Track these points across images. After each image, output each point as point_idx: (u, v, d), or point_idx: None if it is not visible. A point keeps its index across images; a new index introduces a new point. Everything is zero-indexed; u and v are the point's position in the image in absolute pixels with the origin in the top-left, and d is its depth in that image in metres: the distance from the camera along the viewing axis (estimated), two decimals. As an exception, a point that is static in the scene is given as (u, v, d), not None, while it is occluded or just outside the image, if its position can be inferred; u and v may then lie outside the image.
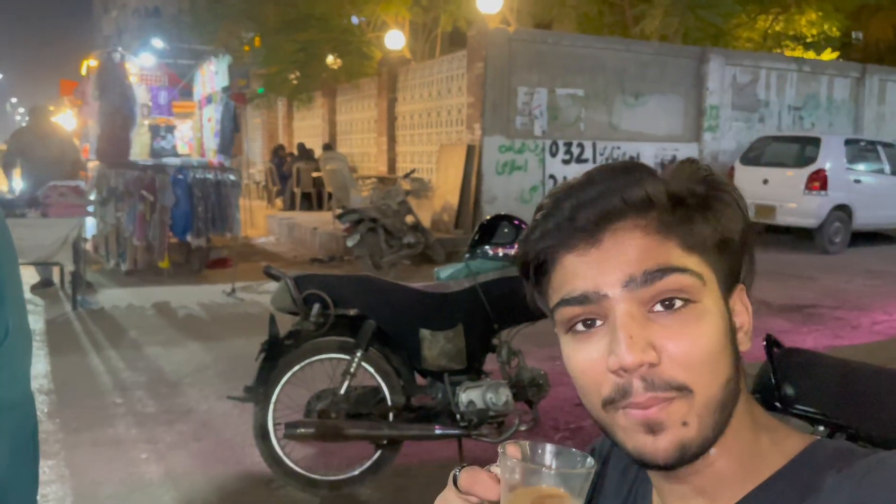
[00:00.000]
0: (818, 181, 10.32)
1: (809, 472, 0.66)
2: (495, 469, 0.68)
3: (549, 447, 0.68)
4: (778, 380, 1.84)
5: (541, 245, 0.71)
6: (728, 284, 0.70)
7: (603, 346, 0.67)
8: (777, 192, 10.57)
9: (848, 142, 10.98)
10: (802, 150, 10.81)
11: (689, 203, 0.68)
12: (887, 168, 11.08)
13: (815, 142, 10.71)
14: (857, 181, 10.70)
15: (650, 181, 0.68)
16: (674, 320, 0.66)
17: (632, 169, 0.70)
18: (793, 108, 13.29)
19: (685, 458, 0.67)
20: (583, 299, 0.68)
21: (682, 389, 0.65)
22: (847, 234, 10.67)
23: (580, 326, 0.69)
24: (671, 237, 0.67)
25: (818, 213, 10.33)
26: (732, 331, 0.69)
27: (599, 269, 0.67)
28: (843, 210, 10.51)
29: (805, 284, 7.83)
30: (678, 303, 0.66)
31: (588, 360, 0.68)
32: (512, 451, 0.66)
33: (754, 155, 11.27)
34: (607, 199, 0.67)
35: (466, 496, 0.69)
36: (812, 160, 10.50)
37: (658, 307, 0.66)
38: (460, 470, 0.69)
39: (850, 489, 0.61)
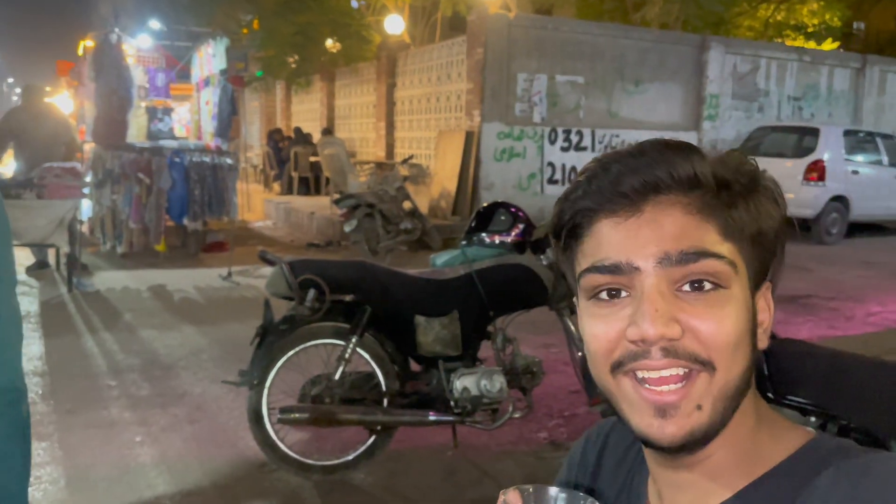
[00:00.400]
0: (816, 172, 10.31)
1: (806, 469, 0.66)
2: None
3: (552, 491, 0.67)
4: (771, 370, 1.84)
5: (580, 205, 0.70)
6: (756, 280, 0.70)
7: (624, 316, 0.66)
8: (775, 183, 10.56)
9: (847, 133, 10.97)
10: (801, 140, 10.79)
11: (734, 189, 0.68)
12: (885, 159, 11.08)
13: (814, 132, 10.70)
14: (855, 172, 10.70)
15: (700, 161, 0.68)
16: (701, 301, 0.66)
17: (684, 147, 0.69)
18: (792, 98, 13.26)
19: (690, 444, 0.66)
20: (614, 269, 0.67)
21: (706, 364, 0.65)
22: (844, 225, 10.68)
23: (604, 295, 0.69)
24: (710, 220, 0.67)
25: (815, 203, 10.33)
26: (754, 324, 0.69)
27: (635, 239, 0.67)
28: (840, 201, 10.52)
29: (801, 275, 7.84)
30: (707, 285, 0.66)
31: (606, 328, 0.68)
32: (514, 499, 0.65)
33: (753, 145, 11.25)
34: (655, 170, 0.67)
35: None
36: (810, 151, 10.49)
37: (686, 287, 0.66)
38: None
39: (846, 489, 0.61)
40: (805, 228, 10.57)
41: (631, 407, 0.67)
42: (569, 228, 0.71)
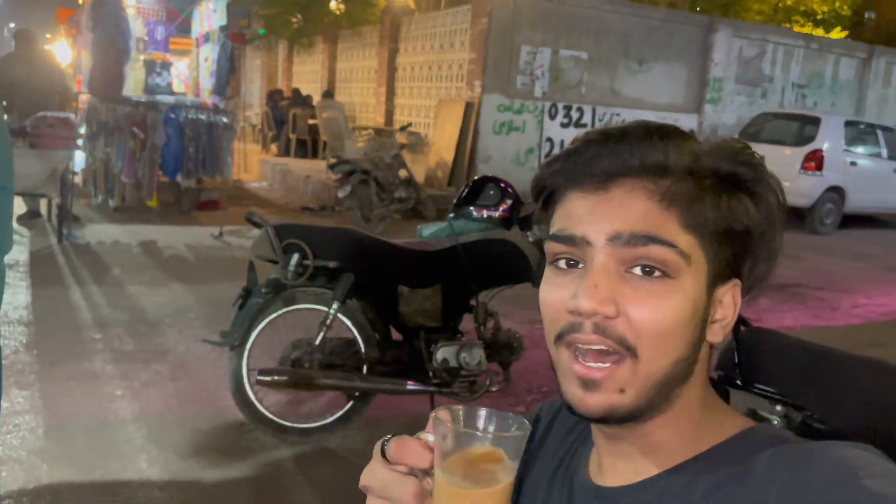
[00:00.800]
0: (814, 161, 10.29)
1: (743, 452, 0.67)
2: (425, 436, 0.68)
3: (482, 411, 0.68)
4: (741, 358, 1.85)
5: (555, 178, 0.73)
6: (723, 275, 0.70)
7: (573, 286, 0.68)
8: (773, 170, 10.52)
9: (848, 123, 10.93)
10: (802, 128, 10.75)
11: (706, 182, 0.68)
12: (884, 152, 11.06)
13: (815, 121, 10.66)
14: (853, 164, 10.68)
15: (677, 150, 0.68)
16: (644, 288, 0.66)
17: (667, 133, 0.69)
18: (797, 86, 13.17)
19: (611, 420, 0.69)
20: (569, 240, 0.69)
21: (631, 350, 0.66)
22: (838, 215, 10.69)
23: (562, 263, 0.70)
24: (673, 210, 0.67)
25: (811, 193, 10.33)
26: (704, 318, 0.69)
27: (594, 215, 0.68)
28: (836, 192, 10.52)
29: (791, 263, 7.86)
30: (657, 273, 0.66)
31: (557, 295, 0.69)
32: (444, 416, 0.66)
33: (754, 131, 11.21)
34: (628, 155, 0.68)
35: (395, 466, 0.69)
36: (810, 139, 10.45)
37: (637, 270, 0.67)
38: (388, 440, 0.69)
39: (784, 475, 0.62)
40: (800, 217, 10.59)
41: (564, 377, 0.70)
42: (546, 196, 0.75)
